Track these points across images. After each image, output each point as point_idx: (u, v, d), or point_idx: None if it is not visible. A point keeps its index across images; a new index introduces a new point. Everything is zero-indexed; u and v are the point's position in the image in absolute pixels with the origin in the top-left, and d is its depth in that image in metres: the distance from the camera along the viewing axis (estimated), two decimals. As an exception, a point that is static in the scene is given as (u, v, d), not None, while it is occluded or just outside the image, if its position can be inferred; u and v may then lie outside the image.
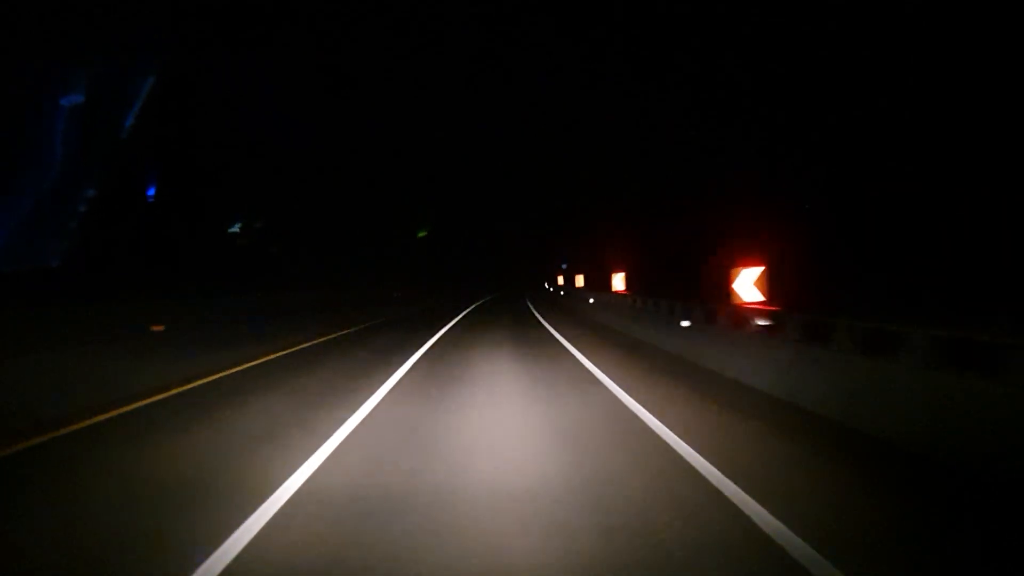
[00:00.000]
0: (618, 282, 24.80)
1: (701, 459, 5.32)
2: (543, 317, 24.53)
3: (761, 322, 8.66)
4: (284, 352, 12.90)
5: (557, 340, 15.25)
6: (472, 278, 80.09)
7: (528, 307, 32.88)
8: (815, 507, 4.40)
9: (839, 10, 23.78)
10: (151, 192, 23.53)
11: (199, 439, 6.24)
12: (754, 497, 4.42)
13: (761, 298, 9.27)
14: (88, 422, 6.82)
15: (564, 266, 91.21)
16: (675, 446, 5.75)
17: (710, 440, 5.90)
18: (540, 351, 13.10)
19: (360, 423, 6.71)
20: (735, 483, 4.71)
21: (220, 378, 9.64)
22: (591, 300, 27.99)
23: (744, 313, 9.23)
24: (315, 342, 14.94)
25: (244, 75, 28.87)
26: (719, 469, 5.04)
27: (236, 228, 29.86)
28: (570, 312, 29.27)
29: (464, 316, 25.19)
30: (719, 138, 31.88)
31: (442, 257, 78.17)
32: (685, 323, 13.90)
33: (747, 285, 9.30)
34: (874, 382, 6.44)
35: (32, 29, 18.64)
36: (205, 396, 8.39)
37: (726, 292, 9.74)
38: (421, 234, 71.09)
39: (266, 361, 11.64)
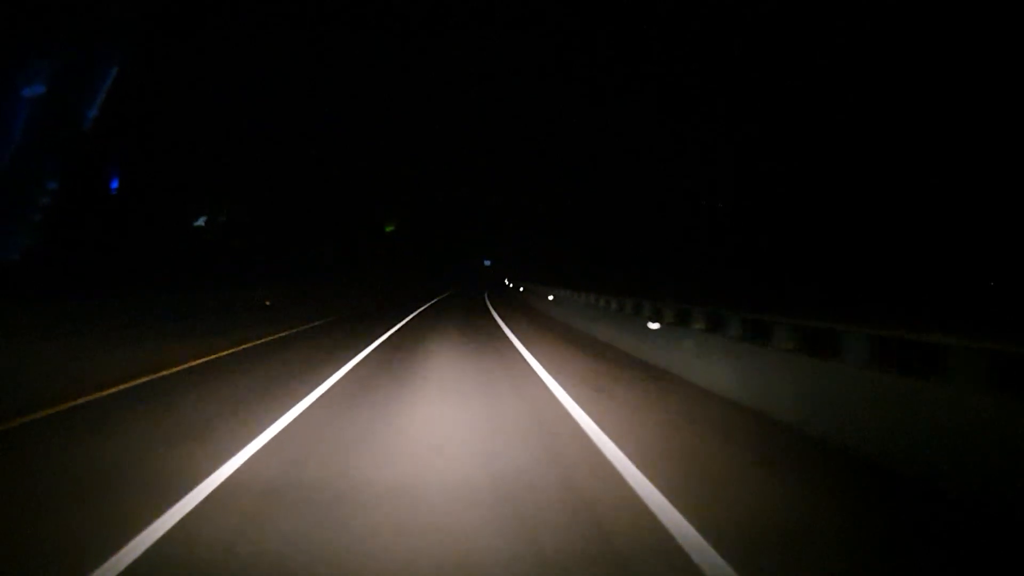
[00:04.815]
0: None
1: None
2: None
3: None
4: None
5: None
6: (441, 273, 79.97)
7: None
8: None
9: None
10: (114, 185, 23.13)
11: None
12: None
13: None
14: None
15: (487, 263, 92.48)
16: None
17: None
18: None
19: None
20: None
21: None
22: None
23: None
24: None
25: (211, 68, 28.48)
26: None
27: (201, 222, 29.45)
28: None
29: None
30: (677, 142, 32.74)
31: (412, 252, 77.86)
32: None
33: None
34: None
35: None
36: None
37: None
38: (388, 228, 70.76)
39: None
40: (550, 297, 24.79)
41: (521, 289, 41.10)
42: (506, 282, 66.86)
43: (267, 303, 20.29)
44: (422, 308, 25.71)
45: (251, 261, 30.74)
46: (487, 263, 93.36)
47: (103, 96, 21.59)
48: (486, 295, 41.53)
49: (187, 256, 25.99)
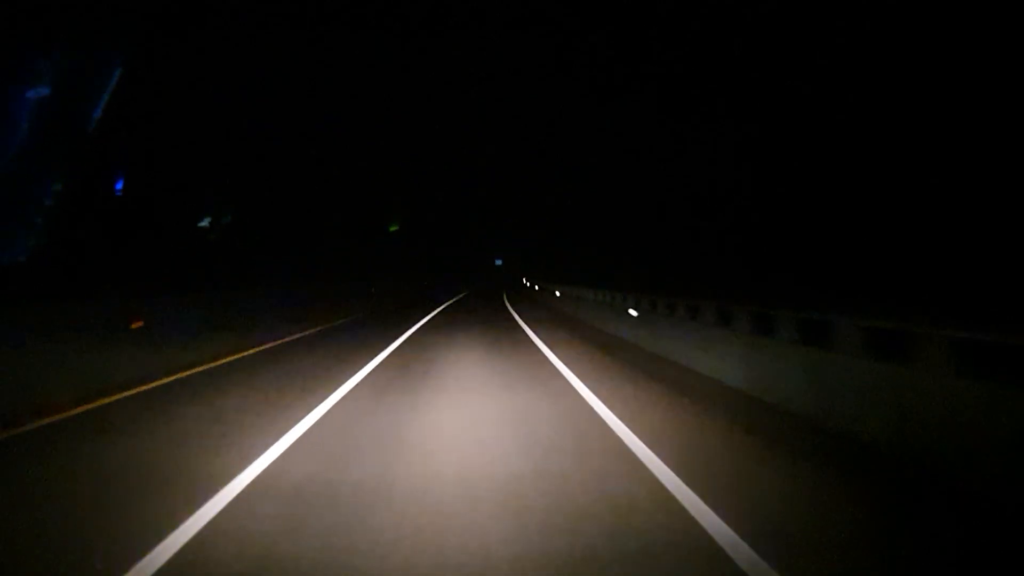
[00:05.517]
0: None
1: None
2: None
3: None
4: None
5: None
6: (449, 273, 79.87)
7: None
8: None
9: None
10: (119, 186, 23.19)
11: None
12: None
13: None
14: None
15: (499, 262, 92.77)
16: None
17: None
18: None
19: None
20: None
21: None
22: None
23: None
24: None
25: (211, 68, 28.55)
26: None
27: (206, 223, 29.52)
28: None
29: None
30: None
31: (417, 253, 77.85)
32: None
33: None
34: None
35: (-4, 20, 18.28)
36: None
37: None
38: (393, 228, 70.85)
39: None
40: (632, 312, 16.15)
41: (558, 294, 32.00)
42: (525, 282, 65.64)
43: (133, 326, 14.67)
44: (429, 317, 24.38)
45: (251, 262, 30.86)
46: (499, 263, 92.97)
47: (107, 97, 21.66)
48: (508, 303, 34.63)
49: (187, 257, 26.08)
